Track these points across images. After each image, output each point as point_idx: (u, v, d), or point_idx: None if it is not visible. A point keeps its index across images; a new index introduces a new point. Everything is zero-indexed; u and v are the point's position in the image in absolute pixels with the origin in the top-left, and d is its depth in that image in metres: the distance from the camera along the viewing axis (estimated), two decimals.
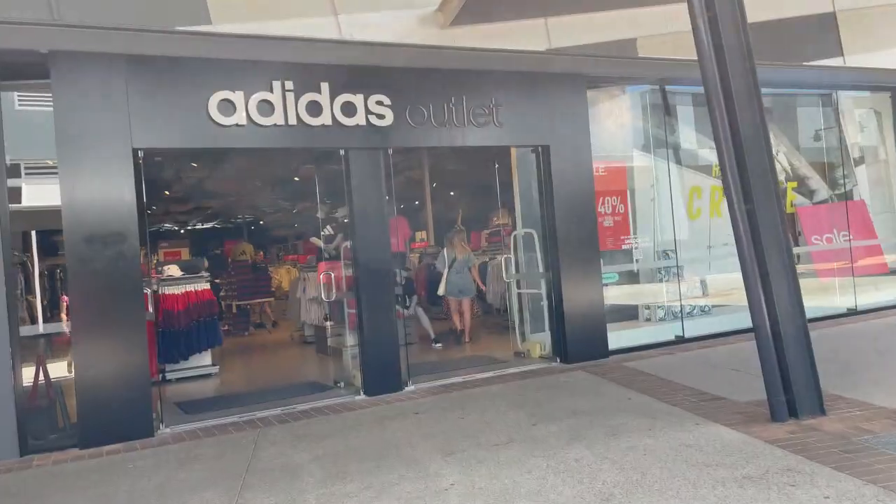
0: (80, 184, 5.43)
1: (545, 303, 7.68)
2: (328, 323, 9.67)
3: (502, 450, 4.46)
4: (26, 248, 8.31)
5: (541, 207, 7.55)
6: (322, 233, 9.90)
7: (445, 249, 10.34)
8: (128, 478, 4.49)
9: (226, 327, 13.85)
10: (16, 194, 5.88)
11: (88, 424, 5.35)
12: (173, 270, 8.39)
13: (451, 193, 22.89)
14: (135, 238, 5.58)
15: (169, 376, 8.27)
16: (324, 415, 5.86)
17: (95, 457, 5.07)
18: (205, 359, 8.54)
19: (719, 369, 6.52)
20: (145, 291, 6.61)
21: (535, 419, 5.12)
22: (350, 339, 7.68)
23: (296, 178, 16.26)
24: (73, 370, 5.69)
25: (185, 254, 23.52)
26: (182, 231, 31.66)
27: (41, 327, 7.05)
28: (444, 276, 10.02)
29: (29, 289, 8.21)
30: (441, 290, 10.07)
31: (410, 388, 6.62)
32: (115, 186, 5.54)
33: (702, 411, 5.00)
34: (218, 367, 8.58)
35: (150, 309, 6.51)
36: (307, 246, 25.22)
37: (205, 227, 31.37)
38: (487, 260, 11.78)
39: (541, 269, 7.75)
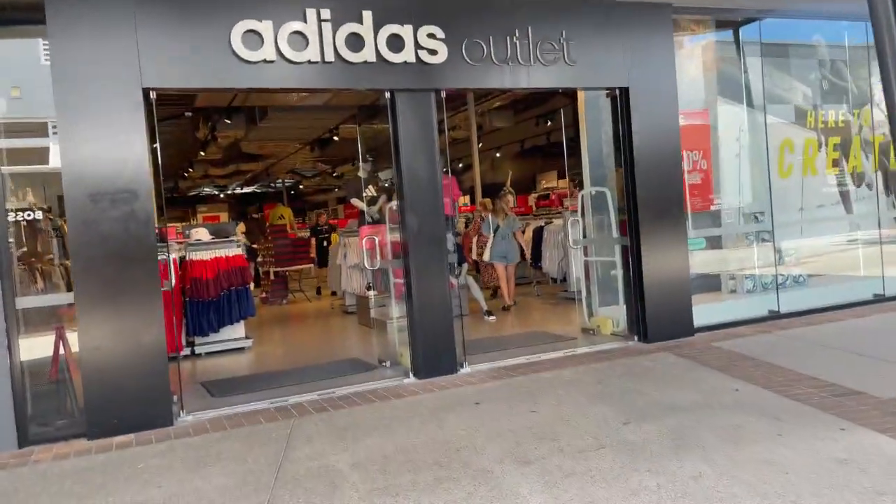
0: (81, 132, 4.61)
1: (619, 272, 6.67)
2: (371, 292, 8.86)
3: (592, 458, 3.54)
4: (62, 212, 7.72)
5: (617, 162, 6.49)
6: (364, 194, 9.01)
7: (490, 215, 9.59)
8: (134, 483, 3.71)
9: (263, 295, 13.25)
10: (43, 154, 5.18)
11: (96, 412, 4.61)
12: (201, 234, 7.61)
13: (498, 154, 21.83)
14: (147, 196, 4.76)
15: (199, 350, 7.56)
16: (367, 402, 5.02)
17: (103, 451, 4.32)
18: (237, 331, 7.80)
19: (837, 353, 5.45)
20: (167, 257, 5.84)
21: (626, 416, 4.18)
22: (396, 311, 6.84)
23: (335, 138, 15.44)
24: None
25: (223, 218, 23.09)
26: (222, 195, 31.33)
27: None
28: (489, 242, 9.29)
29: (66, 254, 7.58)
30: (486, 256, 9.39)
31: (466, 370, 5.73)
32: (123, 135, 4.70)
33: (840, 410, 3.99)
34: (251, 339, 7.84)
35: (173, 277, 5.73)
36: (348, 210, 24.57)
37: (244, 191, 30.95)
38: (543, 224, 10.76)
39: (614, 234, 6.73)
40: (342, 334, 8.66)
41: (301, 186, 29.56)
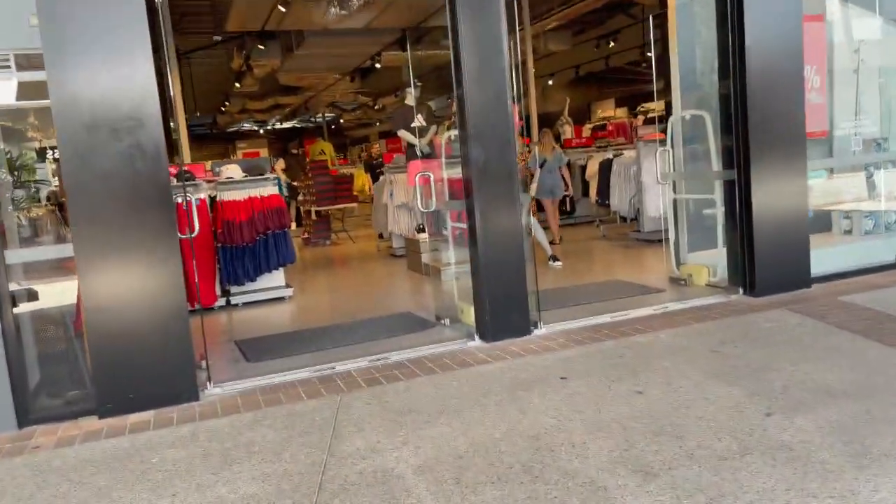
0: (72, 45, 3.71)
1: (719, 211, 5.61)
2: (422, 236, 7.96)
3: (740, 471, 2.63)
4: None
5: (723, 78, 5.34)
6: (413, 125, 8.00)
7: (536, 148, 8.72)
8: (143, 489, 2.95)
9: (305, 235, 12.51)
10: None
11: (107, 386, 3.87)
12: (233, 171, 6.76)
13: (550, 82, 20.36)
14: (156, 125, 3.86)
15: (235, 300, 6.83)
16: (427, 371, 4.18)
17: (115, 434, 3.59)
18: (276, 279, 7.03)
19: None
20: (189, 199, 5.02)
21: (765, 403, 3.24)
22: (452, 257, 5.95)
23: (377, 66, 14.33)
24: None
25: (263, 154, 22.35)
26: (261, 131, 30.58)
27: None
28: (536, 176, 8.43)
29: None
30: (533, 191, 8.51)
31: (541, 330, 4.84)
32: (124, 51, 3.79)
33: None
34: (292, 288, 7.07)
35: (197, 222, 4.91)
36: (391, 144, 23.57)
37: (284, 126, 30.13)
38: (612, 157, 9.62)
39: (715, 166, 5.63)
40: (391, 282, 7.84)
41: (341, 121, 28.57)
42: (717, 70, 5.50)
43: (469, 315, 5.03)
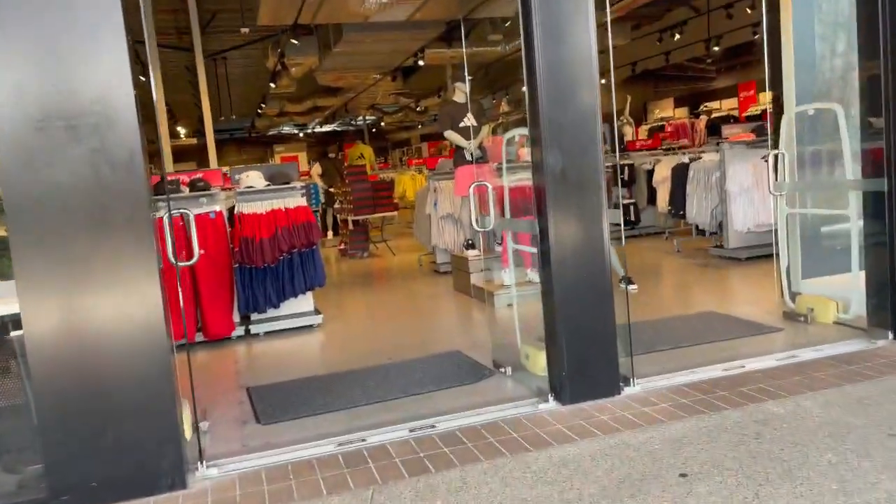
0: (11, 12, 2.76)
1: (855, 230, 4.40)
2: (471, 252, 6.90)
3: None
4: None
5: (870, 57, 4.14)
6: (462, 124, 6.95)
7: None
8: None
9: (341, 246, 11.58)
10: None
11: (62, 468, 2.90)
12: (253, 179, 5.80)
13: (603, 81, 19.13)
14: (128, 121, 2.89)
15: (255, 329, 5.87)
16: (489, 452, 3.11)
17: None
18: (304, 304, 6.05)
19: None
20: (189, 214, 4.07)
21: None
22: (511, 279, 4.91)
23: (420, 62, 13.34)
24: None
25: (301, 158, 21.62)
26: (301, 134, 30.00)
27: None
28: None
29: None
30: None
31: (635, 388, 3.71)
32: (82, 18, 2.82)
33: None
34: (322, 315, 6.07)
35: (196, 244, 3.93)
36: (433, 147, 22.59)
37: (324, 129, 29.47)
38: (688, 160, 8.41)
39: (850, 174, 4.43)
40: (435, 307, 6.78)
41: (382, 123, 27.78)
42: (851, 52, 4.32)
43: (537, 362, 3.96)
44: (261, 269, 5.66)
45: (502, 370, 4.25)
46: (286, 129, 28.83)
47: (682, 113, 18.01)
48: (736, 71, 16.44)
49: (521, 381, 4.05)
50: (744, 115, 15.12)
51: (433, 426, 3.45)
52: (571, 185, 3.54)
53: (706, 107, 16.61)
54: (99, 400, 2.91)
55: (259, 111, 20.92)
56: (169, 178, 5.75)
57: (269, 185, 5.86)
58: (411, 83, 18.72)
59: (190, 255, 5.40)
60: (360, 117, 25.49)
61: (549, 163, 3.50)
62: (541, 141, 3.52)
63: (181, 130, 24.64)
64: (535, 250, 3.85)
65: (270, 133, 28.74)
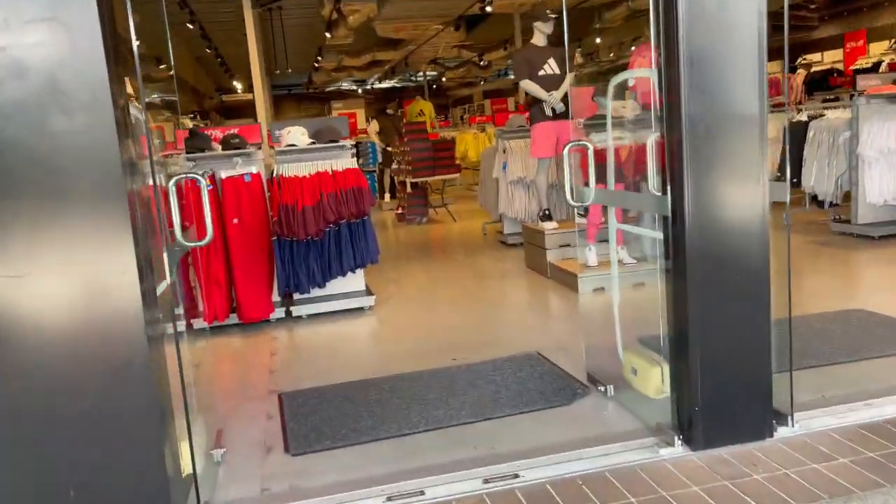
0: None
1: None
2: (548, 225, 5.90)
3: None
4: None
5: None
6: (541, 72, 5.87)
7: None
8: None
9: (398, 210, 10.71)
10: None
11: None
12: (295, 136, 4.91)
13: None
14: (93, 48, 1.99)
15: (297, 311, 5.06)
16: None
17: None
18: (354, 282, 5.19)
19: None
20: (199, 180, 3.19)
21: None
22: (601, 257, 3.94)
23: (487, 8, 12.16)
24: None
25: (359, 115, 20.77)
26: (360, 91, 29.10)
27: None
28: None
29: None
30: None
31: (793, 428, 2.70)
32: None
33: None
34: (374, 297, 5.21)
35: (210, 223, 3.05)
36: (496, 104, 21.37)
37: (383, 85, 28.49)
38: (806, 119, 7.11)
39: None
40: (505, 289, 5.83)
41: (443, 79, 26.58)
42: None
43: (649, 380, 3.00)
44: (303, 242, 4.81)
45: (600, 387, 3.29)
46: (345, 86, 27.98)
47: (774, 67, 16.24)
48: (842, 19, 14.60)
49: (628, 406, 3.09)
50: (850, 68, 13.40)
51: (516, 475, 2.54)
52: (720, 146, 2.49)
53: (804, 59, 14.86)
54: (69, 431, 2.09)
55: (316, 65, 20.07)
56: (199, 132, 4.92)
57: (313, 142, 4.97)
58: (475, 35, 17.47)
59: (220, 227, 4.61)
60: (421, 73, 24.37)
61: (691, 114, 2.46)
62: (676, 83, 2.48)
63: (238, 85, 24.11)
64: (654, 233, 2.84)
65: (329, 89, 27.95)
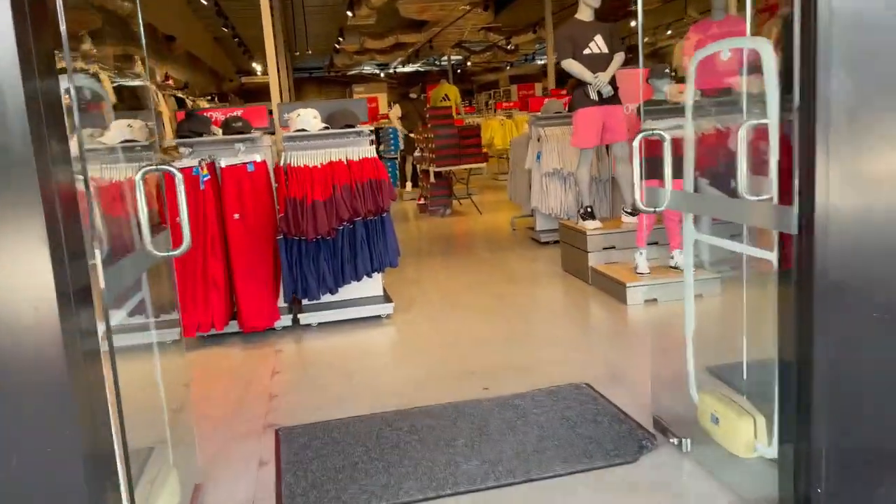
0: None
1: None
2: (590, 224, 5.24)
3: None
4: None
5: None
6: (586, 51, 5.19)
7: None
8: None
9: (420, 200, 10.09)
10: None
11: None
12: (305, 120, 4.28)
13: None
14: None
15: (306, 319, 4.46)
16: None
17: None
18: (371, 287, 4.58)
19: None
20: (250, 161, 2.60)
21: None
22: (640, 262, 3.30)
23: None
24: None
25: (381, 100, 20.13)
26: (382, 74, 28.43)
27: None
28: None
29: None
30: None
31: None
32: None
33: None
34: (393, 304, 4.59)
35: (187, 228, 2.42)
36: (524, 90, 20.59)
37: (406, 69, 27.79)
38: None
39: None
40: (541, 297, 5.17)
41: (468, 63, 25.81)
42: None
43: (737, 434, 2.36)
44: (313, 242, 4.20)
45: (672, 439, 2.64)
46: (367, 69, 27.33)
47: None
48: None
49: (711, 469, 2.44)
50: None
51: None
52: (871, 137, 1.82)
53: None
54: None
55: (337, 46, 19.42)
56: (196, 114, 4.31)
57: (326, 127, 4.34)
58: (504, 17, 16.73)
59: (219, 223, 4.02)
60: (445, 56, 23.63)
61: (831, 95, 1.79)
62: (811, 52, 1.80)
63: (258, 67, 23.56)
64: (762, 253, 2.19)
65: (351, 73, 27.32)
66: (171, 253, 2.32)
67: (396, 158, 12.93)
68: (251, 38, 17.53)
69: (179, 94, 12.07)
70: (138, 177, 2.20)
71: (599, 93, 5.07)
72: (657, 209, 2.64)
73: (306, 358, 4.01)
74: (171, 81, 12.38)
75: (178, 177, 2.31)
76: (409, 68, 27.39)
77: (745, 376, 2.66)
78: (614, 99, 5.14)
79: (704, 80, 2.90)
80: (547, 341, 4.00)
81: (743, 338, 2.64)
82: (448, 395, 3.22)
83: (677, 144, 2.71)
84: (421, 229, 8.47)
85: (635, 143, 2.57)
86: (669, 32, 13.48)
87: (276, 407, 3.27)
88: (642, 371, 3.38)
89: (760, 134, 2.43)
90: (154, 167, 2.30)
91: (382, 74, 28.11)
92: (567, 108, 6.22)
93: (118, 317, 1.93)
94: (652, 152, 4.24)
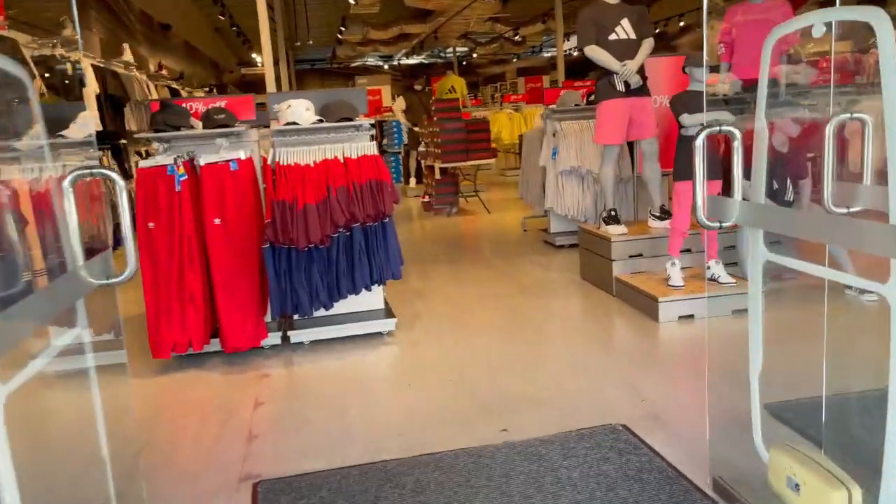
0: None
1: None
2: (615, 229, 4.73)
3: None
4: None
5: None
6: (612, 36, 4.66)
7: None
8: None
9: (425, 198, 9.58)
10: None
11: None
12: (296, 112, 3.76)
13: None
14: None
15: (297, 336, 3.96)
16: None
17: None
18: (370, 300, 4.08)
19: None
20: (233, 159, 2.09)
21: None
22: (674, 274, 2.81)
23: None
24: None
25: (385, 92, 19.59)
26: (386, 66, 27.85)
27: None
28: None
29: None
30: None
31: None
32: None
33: None
34: (395, 320, 4.09)
35: (133, 253, 1.91)
36: (531, 83, 20.00)
37: (410, 61, 27.21)
38: None
39: None
40: (560, 312, 4.64)
41: (474, 55, 25.21)
42: None
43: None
44: (304, 251, 3.69)
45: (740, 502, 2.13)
46: (370, 61, 26.77)
47: None
48: None
49: None
50: None
51: None
52: None
53: None
54: None
55: (340, 37, 18.87)
56: (172, 104, 3.80)
57: (320, 120, 3.82)
58: (512, 6, 16.17)
59: (197, 229, 3.52)
60: (450, 48, 23.05)
61: None
62: None
63: (258, 59, 23.00)
64: (883, 288, 1.67)
65: (354, 65, 26.76)
66: (111, 281, 1.82)
67: (400, 153, 12.43)
68: (250, 28, 16.97)
69: (174, 85, 11.54)
70: (67, 183, 1.70)
71: (627, 83, 4.54)
72: (723, 224, 2.12)
73: (295, 385, 3.50)
74: (164, 71, 11.84)
75: (120, 184, 1.80)
76: (413, 60, 26.83)
77: (823, 425, 2.16)
78: (643, 90, 4.62)
79: (774, 66, 2.37)
80: (571, 367, 3.49)
81: (822, 375, 2.14)
82: (460, 437, 2.72)
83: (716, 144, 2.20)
84: (425, 230, 7.96)
85: (698, 141, 2.05)
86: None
87: (255, 451, 2.77)
88: (687, 409, 2.88)
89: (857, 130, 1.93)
90: (89, 171, 1.79)
91: (386, 66, 27.54)
92: (588, 101, 5.70)
93: (31, 368, 1.43)
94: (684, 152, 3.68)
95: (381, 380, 3.55)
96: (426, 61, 26.99)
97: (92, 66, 7.58)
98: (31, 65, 6.04)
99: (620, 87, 4.56)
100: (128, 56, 9.34)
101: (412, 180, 11.22)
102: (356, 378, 3.53)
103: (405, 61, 26.86)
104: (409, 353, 3.83)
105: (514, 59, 25.56)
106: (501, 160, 13.53)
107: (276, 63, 14.66)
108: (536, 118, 12.38)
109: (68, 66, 6.77)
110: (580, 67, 9.42)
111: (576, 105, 6.14)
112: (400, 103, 11.25)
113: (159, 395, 3.45)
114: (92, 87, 6.12)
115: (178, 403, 3.34)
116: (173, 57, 14.82)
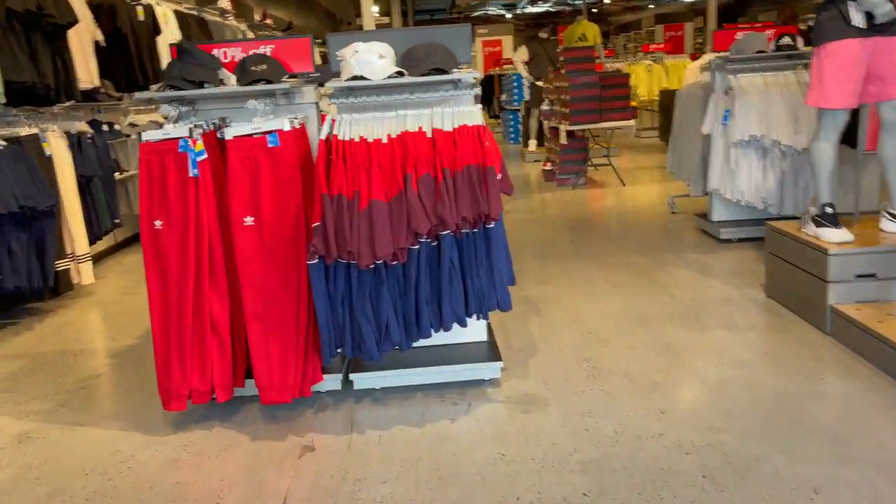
0: None
1: None
2: (833, 233, 3.18)
3: None
4: None
5: None
6: None
7: None
8: None
9: (547, 165, 8.21)
10: None
11: None
12: (365, 60, 2.53)
13: None
14: None
15: (362, 382, 2.83)
16: None
17: None
18: (469, 331, 2.85)
19: None
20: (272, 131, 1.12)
21: None
22: None
23: None
24: None
25: (505, 43, 18.06)
26: (508, 15, 26.07)
27: None
28: None
29: None
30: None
31: None
32: None
33: None
34: (501, 364, 2.85)
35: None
36: (672, 29, 17.70)
37: (535, 9, 25.28)
38: None
39: None
40: (738, 348, 3.20)
41: (606, 1, 22.88)
42: None
43: None
44: (369, 272, 2.51)
45: None
46: (492, 10, 25.09)
47: None
48: None
49: None
50: None
51: None
52: None
53: None
54: None
55: None
56: (194, 50, 2.67)
57: (400, 72, 2.58)
58: None
59: (220, 231, 2.43)
60: None
61: None
62: None
63: (375, 8, 21.98)
64: None
65: (475, 14, 25.18)
66: None
67: (520, 110, 11.03)
68: None
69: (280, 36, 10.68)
70: None
71: (870, 14, 2.96)
72: None
73: (347, 470, 2.36)
74: (269, 21, 11.00)
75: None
76: (538, 8, 24.87)
77: None
78: (894, 27, 3.01)
79: None
80: (789, 468, 2.11)
81: None
82: None
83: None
84: (546, 206, 6.62)
85: None
86: None
87: None
88: None
89: None
90: None
91: (509, 15, 25.76)
92: (807, 42, 4.11)
93: None
94: None
95: (479, 466, 2.32)
96: (553, 9, 24.97)
97: (175, 11, 6.73)
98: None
99: (858, 20, 2.98)
100: (224, 3, 8.49)
101: (532, 143, 9.82)
102: (441, 461, 2.33)
103: (529, 9, 24.97)
104: (519, 422, 2.59)
105: (650, 6, 23.03)
106: (639, 118, 11.79)
107: (388, 13, 13.54)
108: (683, 70, 10.50)
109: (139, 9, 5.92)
110: (732, 14, 7.67)
111: (759, 52, 4.53)
112: (522, 53, 9.78)
113: (162, 469, 2.43)
114: (88, 28, 5.19)
115: (179, 488, 2.29)
116: (283, 6, 14.03)
